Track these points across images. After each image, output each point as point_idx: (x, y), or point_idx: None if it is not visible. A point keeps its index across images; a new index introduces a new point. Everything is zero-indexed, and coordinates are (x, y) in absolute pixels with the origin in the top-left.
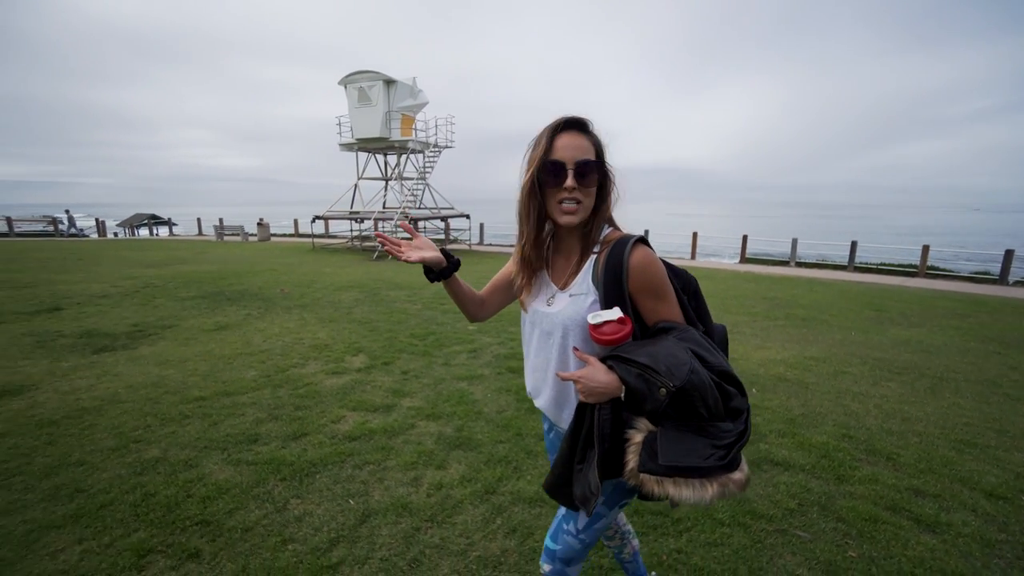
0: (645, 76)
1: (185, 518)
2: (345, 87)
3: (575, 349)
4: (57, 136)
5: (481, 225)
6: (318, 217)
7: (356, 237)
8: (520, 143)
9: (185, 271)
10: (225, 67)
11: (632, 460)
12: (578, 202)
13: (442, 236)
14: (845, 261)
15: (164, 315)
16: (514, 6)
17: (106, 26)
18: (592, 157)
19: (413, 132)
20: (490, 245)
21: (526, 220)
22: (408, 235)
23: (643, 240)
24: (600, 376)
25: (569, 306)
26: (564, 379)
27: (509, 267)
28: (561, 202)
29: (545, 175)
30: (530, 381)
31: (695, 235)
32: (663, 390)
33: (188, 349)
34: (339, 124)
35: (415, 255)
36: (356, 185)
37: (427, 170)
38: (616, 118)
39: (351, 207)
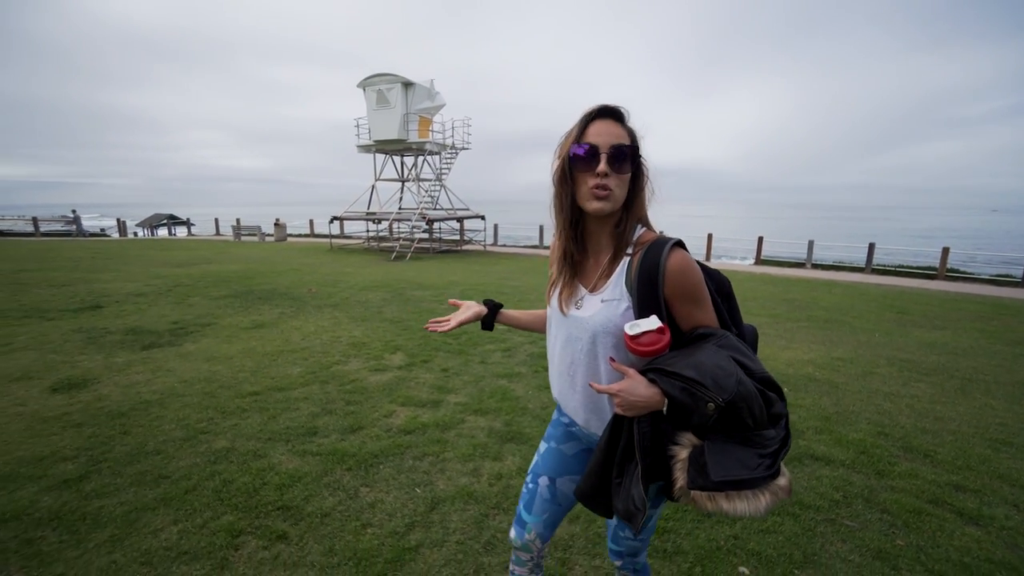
0: (654, 77)
1: (266, 503)
2: (364, 89)
3: (611, 360)
4: (71, 137)
5: (495, 226)
6: (336, 218)
7: (372, 238)
8: (528, 144)
9: (211, 270)
10: (236, 68)
11: (680, 478)
12: (609, 189)
13: (457, 236)
14: (862, 263)
15: (201, 313)
16: (522, 5)
17: (119, 30)
18: (628, 143)
19: (430, 134)
20: (504, 246)
21: (560, 211)
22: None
23: (680, 244)
24: (641, 390)
25: (601, 312)
26: (600, 391)
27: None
28: (593, 188)
29: (577, 159)
30: (555, 386)
31: (710, 236)
32: (711, 404)
33: (231, 346)
34: (357, 126)
35: (454, 322)
36: (373, 186)
37: (444, 172)
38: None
39: (367, 208)
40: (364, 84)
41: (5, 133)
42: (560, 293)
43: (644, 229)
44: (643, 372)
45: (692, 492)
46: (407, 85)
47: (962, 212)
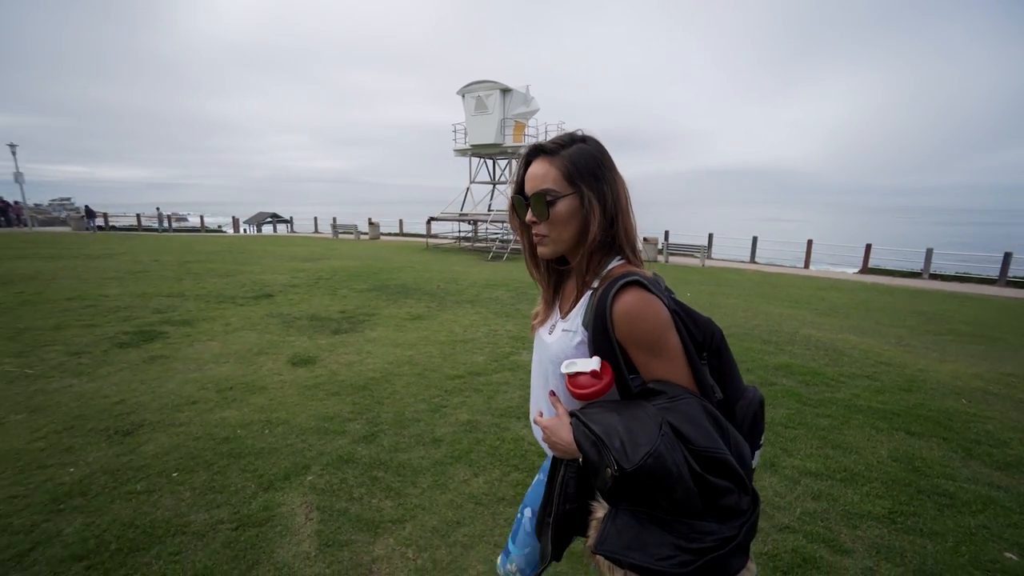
0: (731, 72)
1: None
2: (463, 96)
3: (551, 393)
4: (176, 142)
5: None
6: (433, 218)
7: (463, 237)
8: (604, 144)
9: (337, 266)
10: (316, 75)
11: (592, 536)
12: (543, 235)
13: None
14: (993, 274)
15: (358, 304)
16: (593, 2)
17: (221, 42)
18: (550, 185)
19: (524, 138)
20: None
21: (525, 250)
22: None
23: (636, 282)
24: (562, 433)
25: (558, 341)
26: (536, 423)
27: None
28: (534, 234)
29: (517, 209)
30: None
31: (810, 243)
32: (608, 470)
33: (405, 335)
34: (454, 131)
35: None
36: (468, 188)
37: None
38: (699, 117)
39: (461, 209)
40: (464, 91)
41: (128, 140)
42: (539, 315)
43: (620, 261)
44: (572, 414)
45: (596, 554)
46: (505, 91)
47: None
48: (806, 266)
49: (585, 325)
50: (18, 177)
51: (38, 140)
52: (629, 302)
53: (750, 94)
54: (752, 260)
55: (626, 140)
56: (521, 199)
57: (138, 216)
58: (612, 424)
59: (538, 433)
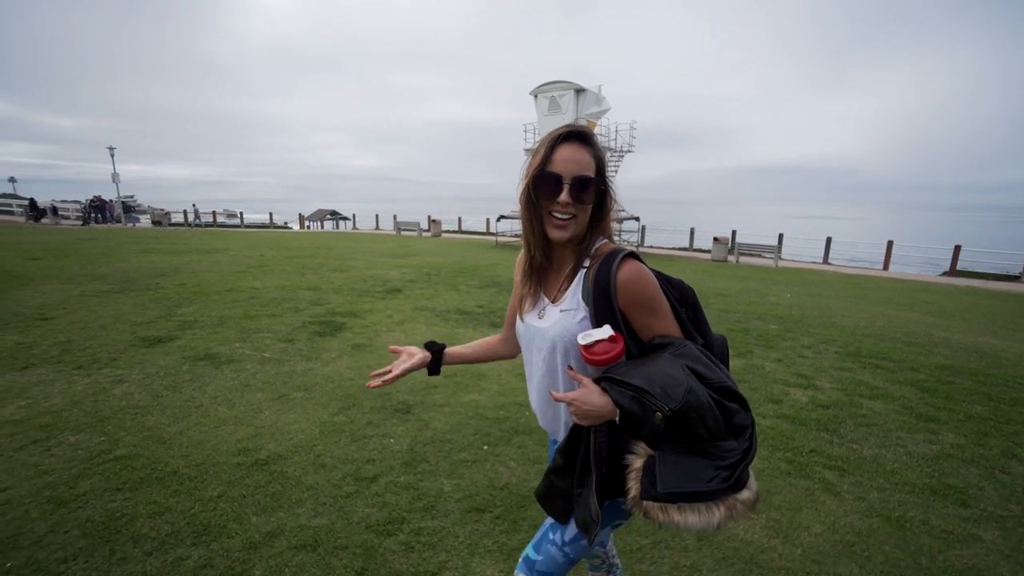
0: (776, 66)
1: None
2: (535, 97)
3: (569, 368)
4: (227, 142)
5: (643, 227)
6: (504, 216)
7: None
8: (643, 140)
9: (430, 262)
10: (357, 74)
11: (634, 487)
12: (572, 216)
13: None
14: None
15: (488, 299)
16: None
17: (270, 44)
18: (591, 173)
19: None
20: (650, 247)
21: (531, 230)
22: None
23: (633, 254)
24: (594, 399)
25: (559, 321)
26: (557, 400)
27: (518, 291)
28: (553, 215)
29: (540, 186)
30: (532, 399)
31: (890, 244)
32: (659, 414)
33: None
34: (525, 131)
35: (397, 371)
36: None
37: (611, 174)
38: (744, 112)
39: None
40: (537, 91)
41: (184, 140)
42: (526, 303)
43: (604, 240)
44: (597, 381)
45: (644, 503)
46: (579, 92)
47: None
48: (885, 268)
49: (585, 300)
50: (115, 177)
51: (100, 141)
52: (630, 271)
53: (800, 88)
54: (826, 261)
55: (668, 136)
56: (558, 179)
57: (213, 213)
58: (648, 374)
59: (543, 416)
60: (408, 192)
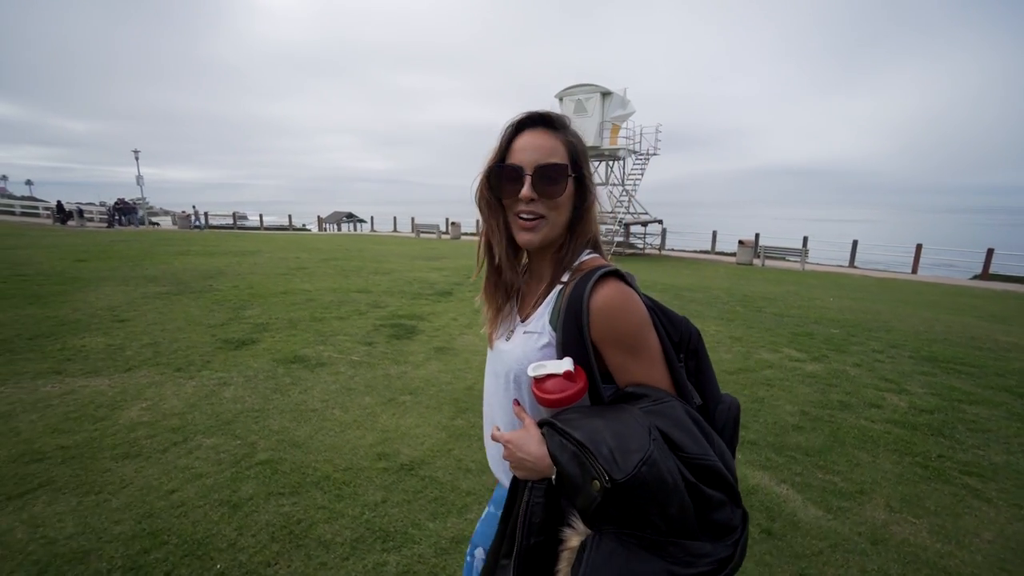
0: (784, 67)
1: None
2: (561, 100)
3: (515, 403)
4: (234, 144)
5: (664, 230)
6: None
7: None
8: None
9: (463, 264)
10: (364, 76)
11: (563, 571)
12: (539, 216)
13: (639, 242)
14: None
15: None
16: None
17: (276, 47)
18: (560, 160)
19: (617, 140)
20: (671, 250)
21: (496, 237)
22: None
23: (615, 273)
24: (531, 446)
25: (520, 345)
26: (494, 439)
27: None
28: (519, 216)
29: (500, 183)
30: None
31: (919, 247)
32: (596, 483)
33: None
34: None
35: None
36: None
37: (636, 178)
38: (750, 114)
39: None
40: (562, 94)
41: (191, 143)
42: (494, 323)
43: (591, 254)
44: (540, 425)
45: None
46: (605, 95)
47: None
48: (914, 271)
49: (553, 324)
50: (139, 180)
51: (111, 144)
52: (608, 295)
53: (806, 90)
54: (852, 264)
55: (675, 138)
56: (516, 170)
57: (233, 214)
58: (597, 429)
59: (493, 454)
60: (416, 195)
